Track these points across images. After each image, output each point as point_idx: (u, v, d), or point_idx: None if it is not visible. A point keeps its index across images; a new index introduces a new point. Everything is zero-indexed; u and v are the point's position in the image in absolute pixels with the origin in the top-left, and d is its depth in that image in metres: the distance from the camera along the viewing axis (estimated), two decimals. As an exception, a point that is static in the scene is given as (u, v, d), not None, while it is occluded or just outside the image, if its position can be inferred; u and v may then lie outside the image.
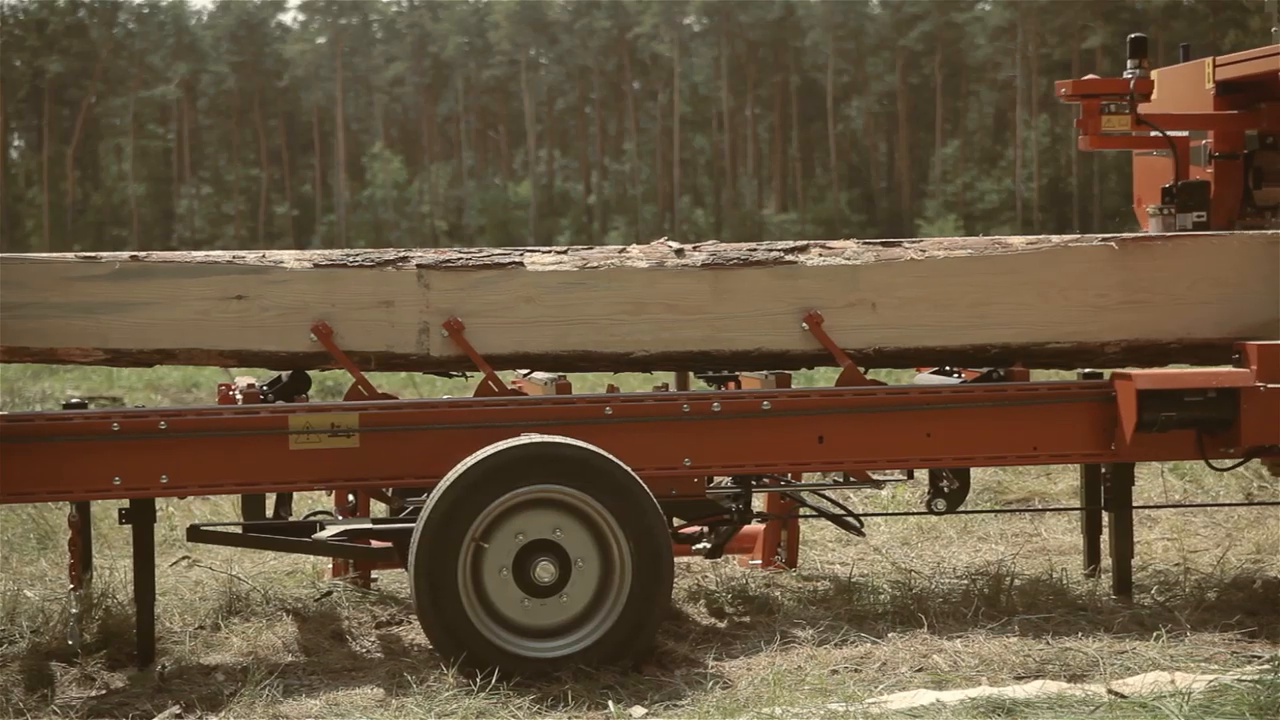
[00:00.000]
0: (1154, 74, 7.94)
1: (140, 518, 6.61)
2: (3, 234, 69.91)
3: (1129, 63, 7.70)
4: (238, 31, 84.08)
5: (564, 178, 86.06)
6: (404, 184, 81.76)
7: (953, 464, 7.13)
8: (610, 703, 5.96)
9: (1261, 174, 7.78)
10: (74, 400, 7.00)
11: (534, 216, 79.16)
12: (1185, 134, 7.86)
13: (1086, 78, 7.74)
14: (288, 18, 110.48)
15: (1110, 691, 5.77)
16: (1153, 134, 7.68)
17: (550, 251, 7.04)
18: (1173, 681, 5.84)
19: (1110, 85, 7.67)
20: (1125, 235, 7.29)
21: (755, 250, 7.07)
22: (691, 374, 7.61)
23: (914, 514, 9.08)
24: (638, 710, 5.91)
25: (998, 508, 9.77)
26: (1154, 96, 7.83)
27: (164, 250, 7.34)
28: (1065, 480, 10.29)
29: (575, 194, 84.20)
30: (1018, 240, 7.21)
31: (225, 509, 9.69)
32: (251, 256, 6.83)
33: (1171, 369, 7.15)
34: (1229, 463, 7.24)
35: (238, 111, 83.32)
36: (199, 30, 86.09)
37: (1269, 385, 6.83)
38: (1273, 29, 7.52)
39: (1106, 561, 7.73)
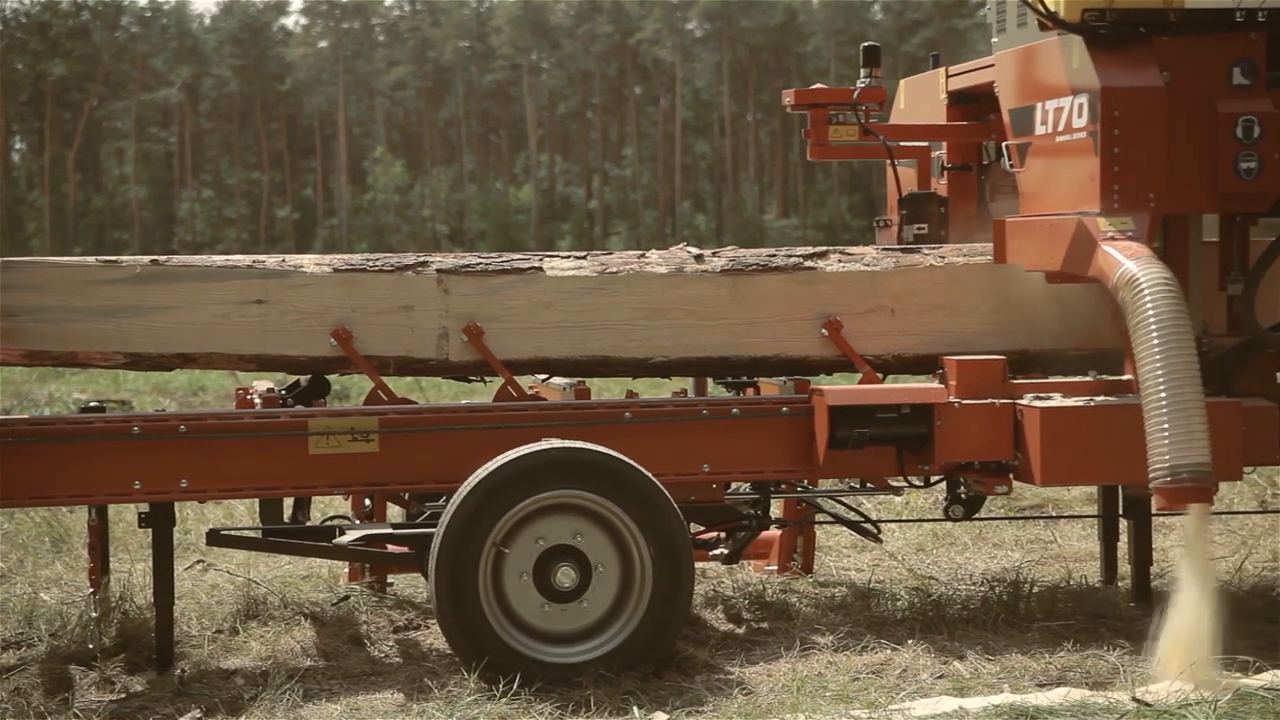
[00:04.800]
0: (903, 82, 7.85)
1: (160, 521, 6.59)
2: (4, 237, 69.87)
3: (861, 72, 7.56)
4: (240, 35, 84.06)
5: (565, 182, 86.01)
6: (405, 188, 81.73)
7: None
8: (634, 708, 5.95)
9: (995, 187, 7.54)
10: (92, 405, 6.97)
11: (535, 221, 79.14)
12: (926, 145, 7.70)
13: (813, 87, 7.64)
14: (290, 21, 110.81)
15: (1135, 699, 5.76)
16: (887, 144, 7.52)
17: (570, 256, 7.03)
18: (1196, 689, 5.83)
19: (836, 95, 7.53)
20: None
21: (775, 256, 7.06)
22: (710, 379, 7.59)
23: (929, 520, 9.07)
24: (660, 716, 5.89)
25: (1014, 514, 9.75)
26: (903, 106, 7.72)
27: (166, 253, 7.34)
28: (1078, 487, 10.26)
29: (576, 199, 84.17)
30: (1037, 247, 7.19)
31: (239, 513, 9.68)
32: (271, 261, 6.82)
33: (868, 384, 6.88)
34: (928, 480, 7.03)
35: (239, 115, 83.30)
36: (201, 34, 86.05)
37: (964, 401, 6.62)
38: (992, 39, 7.34)
39: (1123, 568, 7.73)
